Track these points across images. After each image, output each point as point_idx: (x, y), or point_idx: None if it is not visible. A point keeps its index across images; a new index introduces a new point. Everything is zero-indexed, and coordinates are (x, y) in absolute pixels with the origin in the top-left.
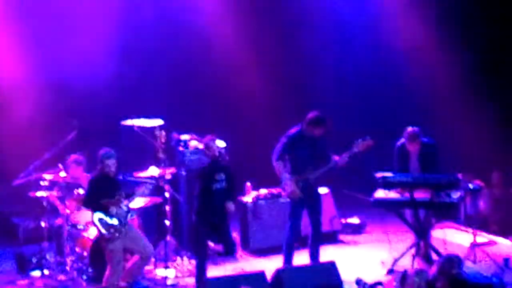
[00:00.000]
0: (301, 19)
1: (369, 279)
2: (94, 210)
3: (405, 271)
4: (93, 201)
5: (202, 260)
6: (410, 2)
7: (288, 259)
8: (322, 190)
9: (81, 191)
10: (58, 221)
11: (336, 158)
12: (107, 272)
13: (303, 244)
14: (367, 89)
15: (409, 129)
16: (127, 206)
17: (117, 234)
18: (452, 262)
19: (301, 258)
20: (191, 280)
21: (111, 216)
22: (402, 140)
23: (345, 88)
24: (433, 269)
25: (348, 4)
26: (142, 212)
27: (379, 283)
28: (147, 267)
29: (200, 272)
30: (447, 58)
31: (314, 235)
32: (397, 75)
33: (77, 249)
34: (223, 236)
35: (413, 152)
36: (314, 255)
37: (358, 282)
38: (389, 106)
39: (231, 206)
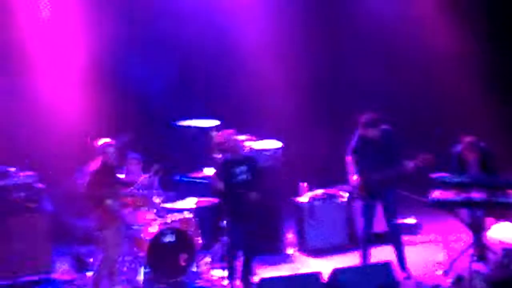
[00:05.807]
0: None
1: (426, 280)
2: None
3: (460, 274)
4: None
5: (230, 258)
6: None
7: (363, 256)
8: None
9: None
10: None
11: (408, 163)
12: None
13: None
14: (418, 91)
15: (468, 138)
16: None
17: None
18: (508, 257)
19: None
20: None
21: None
22: (459, 147)
23: (381, 85)
24: (491, 263)
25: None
26: (199, 212)
27: (438, 286)
28: (203, 268)
29: (230, 270)
30: (468, 57)
31: (388, 234)
32: (425, 79)
33: (134, 249)
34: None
35: (471, 160)
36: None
37: None
38: (414, 108)
39: (252, 195)
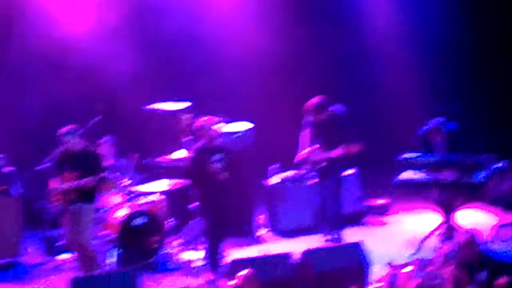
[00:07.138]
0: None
1: (396, 260)
2: None
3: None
4: None
5: (213, 241)
6: None
7: (332, 237)
8: (348, 171)
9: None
10: None
11: (335, 150)
12: None
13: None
14: (384, 72)
15: (435, 119)
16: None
17: None
18: (475, 237)
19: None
20: None
21: None
22: (426, 128)
23: (360, 72)
24: (458, 243)
25: None
26: (168, 195)
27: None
28: (173, 250)
29: (212, 255)
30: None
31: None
32: (416, 60)
33: (104, 232)
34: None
35: (438, 142)
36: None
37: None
38: (411, 89)
39: (225, 175)
